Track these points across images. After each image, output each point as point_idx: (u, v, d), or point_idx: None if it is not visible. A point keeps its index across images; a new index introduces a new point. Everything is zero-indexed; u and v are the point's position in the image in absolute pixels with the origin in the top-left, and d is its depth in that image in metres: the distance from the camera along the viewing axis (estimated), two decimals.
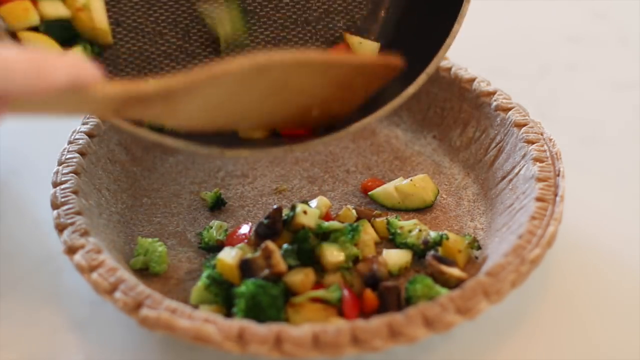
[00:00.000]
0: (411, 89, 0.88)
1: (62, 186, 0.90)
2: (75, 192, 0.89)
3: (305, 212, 0.87)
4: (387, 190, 0.96)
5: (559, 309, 0.87)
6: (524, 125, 0.96)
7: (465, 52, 1.16)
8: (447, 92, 1.04)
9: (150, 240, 0.90)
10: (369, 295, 0.84)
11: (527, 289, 0.85)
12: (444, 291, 0.82)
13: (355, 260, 0.87)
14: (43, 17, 0.85)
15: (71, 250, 0.84)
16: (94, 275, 0.81)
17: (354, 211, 0.93)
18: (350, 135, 1.05)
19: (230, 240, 0.89)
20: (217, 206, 0.96)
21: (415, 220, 0.92)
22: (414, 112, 1.07)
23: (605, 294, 0.89)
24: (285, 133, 0.88)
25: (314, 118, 0.84)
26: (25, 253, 0.94)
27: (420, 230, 0.90)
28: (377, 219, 0.93)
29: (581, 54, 1.26)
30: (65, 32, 0.86)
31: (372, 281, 0.85)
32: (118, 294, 0.80)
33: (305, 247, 0.86)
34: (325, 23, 0.93)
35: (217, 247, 0.90)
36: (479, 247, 0.90)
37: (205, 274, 0.85)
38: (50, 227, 0.88)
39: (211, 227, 0.92)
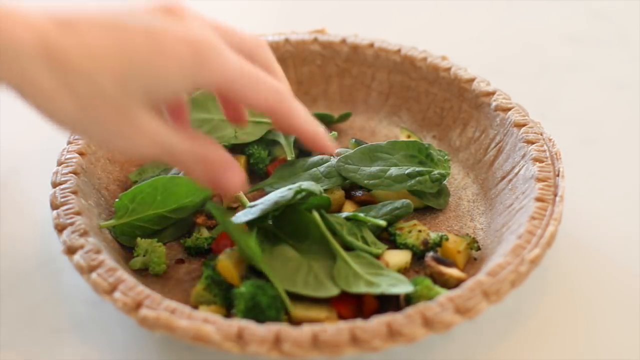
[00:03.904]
0: None
1: (62, 186, 0.90)
2: (74, 192, 0.89)
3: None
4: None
5: (558, 309, 0.87)
6: (524, 125, 0.96)
7: (465, 52, 1.17)
8: (446, 92, 1.04)
9: (149, 240, 0.90)
10: (369, 297, 0.84)
11: (526, 289, 0.85)
12: (443, 292, 0.82)
13: None
14: None
15: (71, 251, 0.84)
16: (94, 276, 0.81)
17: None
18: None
19: (217, 245, 0.90)
20: None
21: (415, 221, 0.92)
22: (414, 112, 1.07)
23: (605, 294, 0.89)
24: None
25: None
26: (25, 253, 0.94)
27: (419, 231, 0.90)
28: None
29: (581, 54, 1.26)
30: None
31: None
32: (117, 294, 0.80)
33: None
34: None
35: (207, 250, 0.91)
36: (479, 248, 0.90)
37: (205, 274, 0.85)
38: (50, 227, 0.88)
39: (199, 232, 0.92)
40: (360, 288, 0.83)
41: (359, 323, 0.77)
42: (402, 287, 0.83)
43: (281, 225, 0.87)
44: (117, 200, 0.91)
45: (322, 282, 0.83)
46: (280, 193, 0.87)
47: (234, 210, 0.95)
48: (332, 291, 0.83)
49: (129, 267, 0.88)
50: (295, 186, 0.86)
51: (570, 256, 0.92)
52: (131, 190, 0.91)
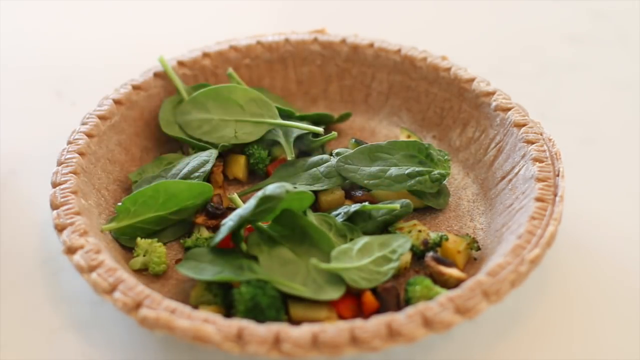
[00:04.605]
0: None
1: (62, 186, 0.90)
2: (74, 192, 0.89)
3: None
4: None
5: (558, 309, 0.87)
6: (524, 125, 0.96)
7: (465, 52, 1.17)
8: (446, 92, 1.04)
9: (149, 240, 0.90)
10: (369, 297, 0.84)
11: (526, 289, 0.86)
12: (443, 292, 0.82)
13: None
14: None
15: (71, 251, 0.84)
16: (94, 276, 0.81)
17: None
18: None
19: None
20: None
21: (415, 221, 0.92)
22: (414, 112, 1.07)
23: (604, 294, 0.89)
24: None
25: None
26: (25, 253, 0.94)
27: (419, 231, 0.90)
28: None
29: (581, 54, 1.26)
30: None
31: None
32: (117, 294, 0.80)
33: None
34: None
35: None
36: (479, 248, 0.90)
37: None
38: (50, 227, 0.88)
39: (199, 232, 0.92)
40: (374, 252, 0.85)
41: (359, 323, 0.77)
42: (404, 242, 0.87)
43: (278, 229, 0.87)
44: (119, 204, 0.91)
45: (322, 285, 0.83)
46: (245, 206, 0.86)
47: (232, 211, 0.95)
48: (332, 295, 0.83)
49: (129, 267, 0.88)
50: (259, 194, 0.85)
51: (570, 256, 0.92)
52: (133, 194, 0.91)
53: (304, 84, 1.11)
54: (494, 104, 0.99)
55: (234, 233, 0.86)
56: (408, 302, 0.83)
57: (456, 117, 1.03)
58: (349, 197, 0.96)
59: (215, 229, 0.92)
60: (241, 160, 1.01)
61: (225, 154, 1.01)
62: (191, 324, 0.77)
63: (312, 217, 0.89)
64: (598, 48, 1.27)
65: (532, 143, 0.94)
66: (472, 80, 1.02)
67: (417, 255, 0.90)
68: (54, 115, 1.14)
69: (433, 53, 1.07)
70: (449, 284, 0.85)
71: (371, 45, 1.09)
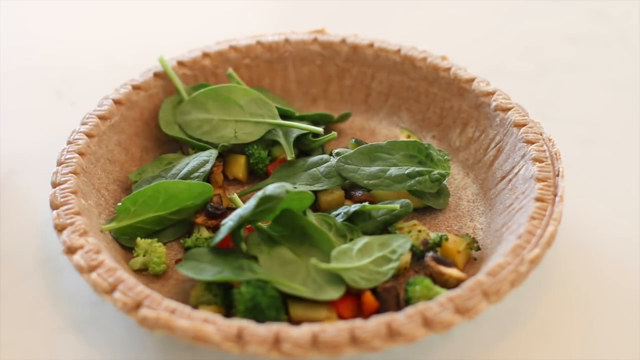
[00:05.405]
0: None
1: (62, 186, 0.90)
2: (74, 192, 0.89)
3: None
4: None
5: (557, 309, 0.87)
6: (524, 125, 0.96)
7: (465, 52, 1.17)
8: (446, 92, 1.04)
9: (149, 240, 0.90)
10: (369, 297, 0.84)
11: (526, 289, 0.86)
12: (443, 292, 0.82)
13: None
14: None
15: (70, 251, 0.84)
16: (93, 276, 0.81)
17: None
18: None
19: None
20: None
21: (414, 221, 0.92)
22: (414, 112, 1.07)
23: (604, 294, 0.89)
24: None
25: None
26: (25, 253, 0.94)
27: (419, 231, 0.91)
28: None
29: (581, 54, 1.26)
30: None
31: None
32: (117, 294, 0.80)
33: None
34: None
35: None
36: (478, 248, 0.90)
37: None
38: (50, 227, 0.88)
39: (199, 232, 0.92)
40: (374, 252, 0.85)
41: (359, 323, 0.77)
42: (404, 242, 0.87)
43: (278, 229, 0.87)
44: (119, 204, 0.91)
45: (321, 285, 0.83)
46: (245, 206, 0.86)
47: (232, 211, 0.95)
48: (332, 295, 0.83)
49: (129, 267, 0.88)
50: (259, 194, 0.85)
51: (570, 256, 0.92)
52: (133, 194, 0.92)
53: (303, 84, 1.11)
54: (493, 104, 0.99)
55: (234, 233, 0.86)
56: (408, 302, 0.83)
57: (456, 117, 1.03)
58: (349, 197, 0.96)
59: (215, 229, 0.92)
60: (241, 160, 1.01)
61: (225, 154, 1.01)
62: (191, 324, 0.77)
63: (312, 217, 0.89)
64: (598, 48, 1.27)
65: (532, 143, 0.94)
66: (472, 80, 1.02)
67: (417, 255, 0.90)
68: (54, 115, 1.14)
69: (433, 53, 1.07)
70: (449, 284, 0.85)
71: (371, 45, 1.09)
